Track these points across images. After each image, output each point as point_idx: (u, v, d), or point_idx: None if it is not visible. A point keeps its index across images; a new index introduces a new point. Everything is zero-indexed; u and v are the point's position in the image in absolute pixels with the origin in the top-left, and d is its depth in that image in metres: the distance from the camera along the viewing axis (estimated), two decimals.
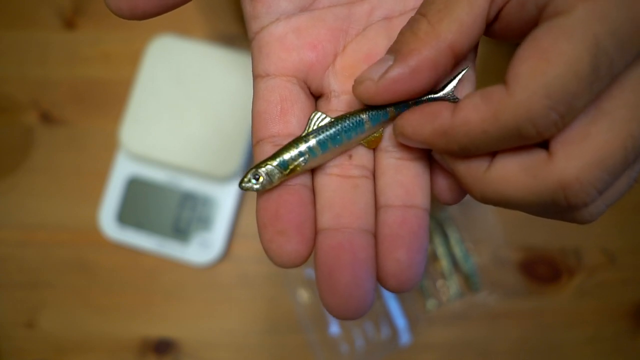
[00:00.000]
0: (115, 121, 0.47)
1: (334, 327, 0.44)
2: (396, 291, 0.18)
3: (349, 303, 0.17)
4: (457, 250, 0.45)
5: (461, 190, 0.20)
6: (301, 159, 0.19)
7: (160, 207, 0.45)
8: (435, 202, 0.21)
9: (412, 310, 0.45)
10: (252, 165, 0.19)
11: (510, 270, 0.45)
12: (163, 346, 0.44)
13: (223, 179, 0.45)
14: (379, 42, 0.20)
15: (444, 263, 0.45)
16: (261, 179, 0.19)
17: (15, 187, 0.47)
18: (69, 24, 0.50)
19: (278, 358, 0.45)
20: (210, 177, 0.45)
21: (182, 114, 0.45)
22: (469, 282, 0.45)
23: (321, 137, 0.19)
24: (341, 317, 0.18)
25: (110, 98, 0.48)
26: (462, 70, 0.20)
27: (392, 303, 0.45)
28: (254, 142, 0.20)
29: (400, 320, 0.44)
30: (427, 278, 0.45)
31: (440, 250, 0.45)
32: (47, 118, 0.48)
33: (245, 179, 0.19)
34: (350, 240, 0.18)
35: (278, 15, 0.20)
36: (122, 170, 0.46)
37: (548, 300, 0.45)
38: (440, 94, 0.20)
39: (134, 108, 0.45)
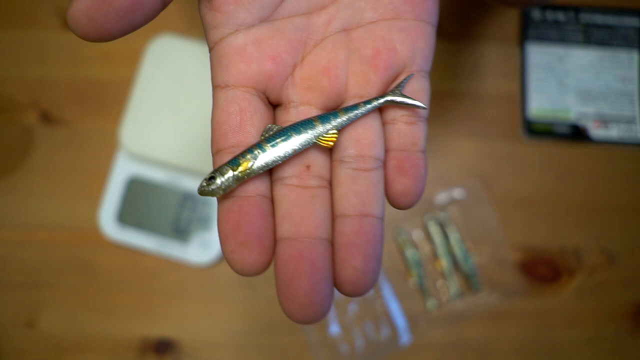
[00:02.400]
0: (115, 121, 0.47)
1: (334, 327, 0.44)
2: (352, 295, 0.19)
3: (308, 309, 0.18)
4: (457, 250, 0.45)
5: (413, 194, 0.20)
6: (250, 154, 0.19)
7: (160, 207, 0.45)
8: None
9: (412, 310, 0.45)
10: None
11: (510, 270, 0.45)
12: (163, 346, 0.44)
13: None
14: (338, 54, 0.21)
15: (444, 263, 0.45)
16: (215, 180, 0.19)
17: (15, 187, 0.47)
18: None
19: (278, 358, 0.45)
20: None
21: (182, 114, 0.45)
22: (469, 282, 0.45)
23: (271, 136, 0.20)
24: (301, 321, 0.18)
25: (110, 98, 0.48)
26: (408, 77, 0.21)
27: (392, 303, 0.45)
28: (214, 152, 0.20)
29: (400, 320, 0.44)
30: (427, 278, 0.45)
31: (440, 250, 0.45)
32: (47, 118, 0.48)
33: (203, 183, 0.19)
34: (309, 249, 0.18)
35: (237, 26, 0.20)
36: (122, 170, 0.46)
37: (548, 300, 0.45)
38: (389, 96, 0.21)
39: (134, 108, 0.45)
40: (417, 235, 0.46)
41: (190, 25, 0.48)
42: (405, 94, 0.21)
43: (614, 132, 0.48)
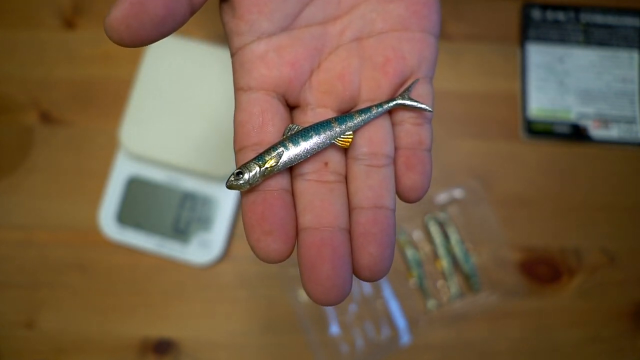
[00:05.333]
0: (115, 121, 0.47)
1: (334, 327, 0.44)
2: (368, 280, 0.20)
3: (330, 291, 0.19)
4: (457, 251, 0.45)
5: (420, 189, 0.22)
6: (276, 152, 0.21)
7: (160, 207, 0.45)
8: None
9: (412, 311, 0.45)
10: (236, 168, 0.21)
11: (510, 270, 0.45)
12: (163, 346, 0.44)
13: (223, 179, 0.45)
14: (351, 61, 0.23)
15: (444, 263, 0.45)
16: (243, 175, 0.20)
17: (15, 187, 0.47)
18: (69, 24, 0.50)
19: (278, 358, 0.45)
20: (210, 177, 0.45)
21: (182, 114, 0.45)
22: (469, 282, 0.45)
23: (293, 135, 0.21)
24: (323, 303, 0.20)
25: (110, 98, 0.48)
26: (414, 82, 0.23)
27: (392, 303, 0.45)
28: (237, 149, 0.22)
29: (400, 321, 0.44)
30: (427, 278, 0.45)
31: (441, 250, 0.45)
32: (47, 118, 0.48)
33: (231, 178, 0.20)
34: (331, 237, 0.20)
35: (259, 34, 0.22)
36: (122, 170, 0.46)
37: (548, 300, 0.45)
38: (399, 100, 0.22)
39: (134, 108, 0.45)
40: (417, 235, 0.46)
41: (190, 26, 0.48)
42: (413, 98, 0.22)
43: (614, 132, 0.48)
